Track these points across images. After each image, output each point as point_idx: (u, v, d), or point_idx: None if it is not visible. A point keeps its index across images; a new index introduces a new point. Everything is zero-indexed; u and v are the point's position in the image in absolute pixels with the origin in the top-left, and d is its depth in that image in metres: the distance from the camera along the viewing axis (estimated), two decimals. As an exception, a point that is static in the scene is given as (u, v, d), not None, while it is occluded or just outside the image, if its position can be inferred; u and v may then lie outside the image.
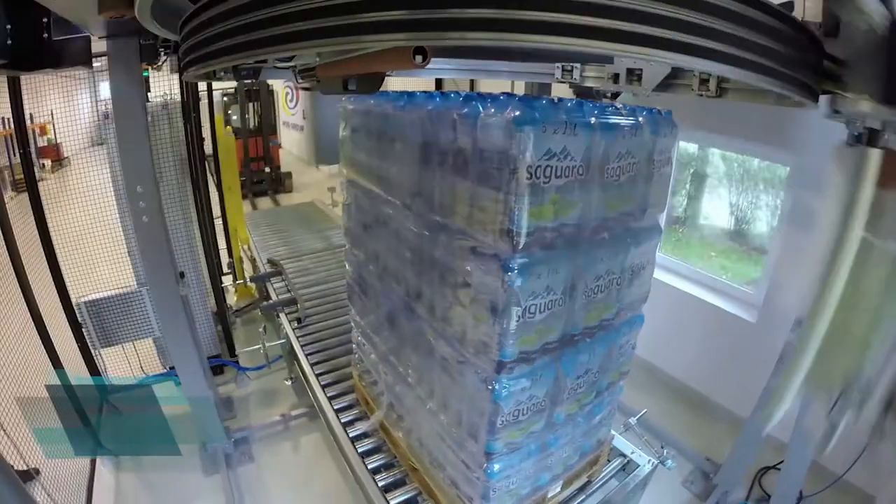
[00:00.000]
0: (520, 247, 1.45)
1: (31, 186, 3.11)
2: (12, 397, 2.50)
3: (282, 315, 3.84)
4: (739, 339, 3.54)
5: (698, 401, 3.80)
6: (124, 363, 3.65)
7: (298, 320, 3.80)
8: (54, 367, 3.05)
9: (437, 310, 1.85)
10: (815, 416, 2.24)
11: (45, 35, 2.20)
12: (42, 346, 2.98)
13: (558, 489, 2.07)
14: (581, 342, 1.79)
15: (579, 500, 2.24)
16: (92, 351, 3.46)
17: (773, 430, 2.63)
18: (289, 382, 3.87)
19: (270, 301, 4.10)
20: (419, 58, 0.86)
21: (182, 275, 2.90)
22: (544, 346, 1.65)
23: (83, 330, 3.34)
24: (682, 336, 3.91)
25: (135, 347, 3.65)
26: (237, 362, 4.08)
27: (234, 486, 2.95)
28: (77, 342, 3.39)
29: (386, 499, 2.22)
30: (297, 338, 3.58)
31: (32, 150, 3.58)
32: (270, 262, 4.75)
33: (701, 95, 1.89)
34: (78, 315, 3.30)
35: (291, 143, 12.33)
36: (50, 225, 3.18)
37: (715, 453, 3.11)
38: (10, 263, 2.83)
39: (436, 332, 1.88)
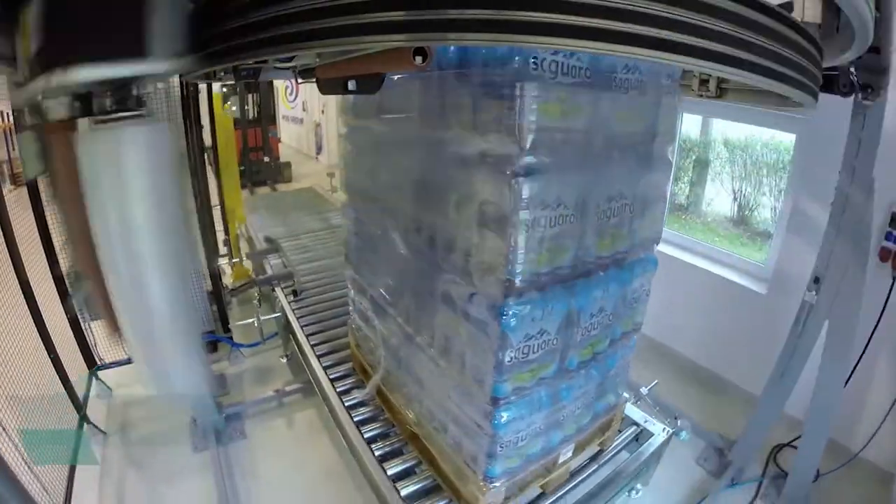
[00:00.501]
0: (527, 146, 1.31)
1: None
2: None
3: (278, 289, 3.69)
4: (749, 312, 3.43)
5: (708, 378, 3.67)
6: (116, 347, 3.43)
7: (295, 293, 3.66)
8: (42, 341, 2.90)
9: (439, 238, 1.71)
10: (829, 400, 2.31)
11: None
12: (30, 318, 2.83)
13: (570, 454, 1.92)
14: (594, 276, 1.66)
15: (592, 470, 2.10)
16: (82, 323, 3.32)
17: (787, 407, 2.65)
18: (284, 360, 3.74)
19: (266, 275, 3.96)
20: (419, 59, 0.86)
21: None
22: (555, 270, 1.52)
23: (74, 301, 3.11)
24: (690, 312, 3.80)
25: None
26: (231, 338, 3.92)
27: (224, 463, 2.80)
28: (66, 314, 3.21)
29: (383, 468, 2.06)
30: (293, 310, 3.43)
31: None
32: (268, 239, 4.63)
33: (701, 96, 1.93)
34: (67, 283, 3.09)
35: (291, 136, 12.29)
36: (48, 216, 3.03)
37: (728, 431, 2.98)
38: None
39: (438, 264, 1.73)
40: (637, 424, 2.37)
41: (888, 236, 2.66)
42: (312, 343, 3.07)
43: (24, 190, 3.03)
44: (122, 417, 3.29)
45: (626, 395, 2.18)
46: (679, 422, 2.40)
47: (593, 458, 2.16)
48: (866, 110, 1.95)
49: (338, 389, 2.61)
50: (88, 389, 3.36)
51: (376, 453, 2.15)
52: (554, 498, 1.96)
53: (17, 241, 2.82)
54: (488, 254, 1.46)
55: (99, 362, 3.51)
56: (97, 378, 3.47)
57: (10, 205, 2.80)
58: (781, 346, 2.56)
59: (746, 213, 4.11)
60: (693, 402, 3.36)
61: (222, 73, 1.85)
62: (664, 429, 2.33)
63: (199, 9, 1.02)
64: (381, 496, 2.01)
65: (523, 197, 1.34)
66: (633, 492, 2.53)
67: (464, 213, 1.55)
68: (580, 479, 2.06)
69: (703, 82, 1.84)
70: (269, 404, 3.39)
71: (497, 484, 1.67)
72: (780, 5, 0.97)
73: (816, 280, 2.36)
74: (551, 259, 1.49)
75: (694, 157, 4.44)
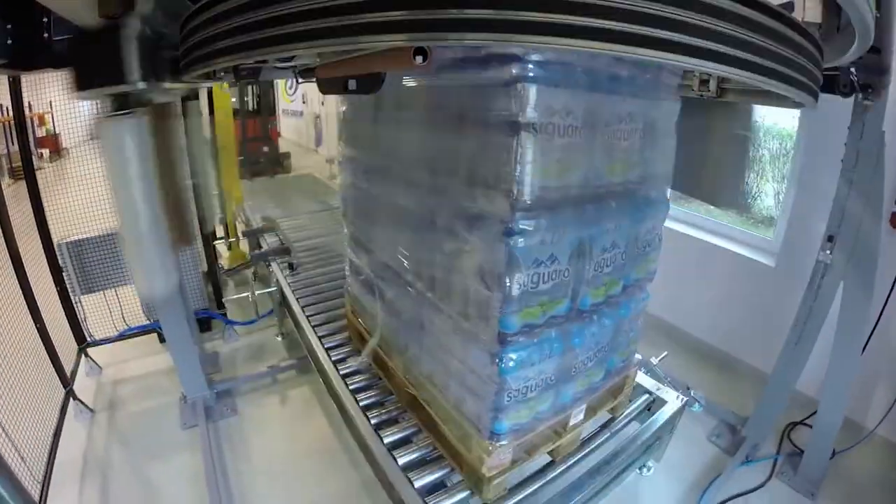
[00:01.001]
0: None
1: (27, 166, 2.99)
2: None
3: (273, 264, 3.55)
4: (759, 286, 3.31)
5: (718, 357, 3.54)
6: (105, 313, 3.37)
7: (290, 266, 3.53)
8: (32, 318, 2.79)
9: (440, 165, 1.58)
10: (846, 370, 2.22)
11: (45, 35, 2.14)
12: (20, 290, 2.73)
13: (581, 416, 1.77)
14: (606, 206, 1.53)
15: (604, 438, 1.96)
16: (72, 297, 3.19)
17: (799, 386, 2.57)
18: (279, 338, 3.62)
19: (262, 249, 3.83)
20: (419, 58, 0.86)
21: None
22: (565, 187, 1.40)
23: (63, 274, 3.09)
24: (698, 290, 3.67)
25: (118, 296, 3.38)
26: (224, 315, 3.78)
27: (213, 438, 2.66)
28: (56, 286, 3.12)
29: (379, 436, 1.92)
30: (289, 283, 3.30)
31: (31, 139, 3.46)
32: (265, 219, 4.53)
33: (701, 96, 1.92)
34: (59, 257, 3.04)
35: (290, 129, 12.27)
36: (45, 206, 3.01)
37: (739, 409, 2.85)
38: None
39: (441, 191, 1.59)
40: (649, 393, 2.23)
41: None
42: (308, 314, 2.93)
43: (23, 184, 2.97)
44: (111, 395, 3.18)
45: (638, 356, 2.04)
46: (692, 392, 2.26)
47: (605, 426, 2.02)
48: (866, 111, 1.94)
49: (333, 358, 2.47)
50: (77, 365, 3.26)
51: (372, 421, 2.01)
52: (564, 466, 1.81)
53: (10, 218, 2.72)
54: (493, 167, 1.34)
55: (89, 338, 3.41)
56: (86, 356, 3.37)
57: (8, 199, 2.72)
58: (792, 319, 2.46)
59: (750, 200, 3.93)
60: (702, 380, 3.19)
61: (222, 73, 1.81)
62: (678, 396, 2.20)
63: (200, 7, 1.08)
64: (378, 467, 1.86)
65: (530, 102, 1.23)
66: (645, 469, 2.43)
67: (469, 130, 1.43)
68: (592, 446, 1.91)
69: (704, 82, 1.82)
70: (262, 381, 3.25)
71: (504, 442, 1.52)
72: (780, 5, 0.96)
73: (830, 238, 2.26)
74: (561, 173, 1.37)
75: None
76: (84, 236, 3.09)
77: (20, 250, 2.77)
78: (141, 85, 1.54)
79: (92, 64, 1.64)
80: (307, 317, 2.87)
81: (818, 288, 2.34)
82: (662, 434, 2.19)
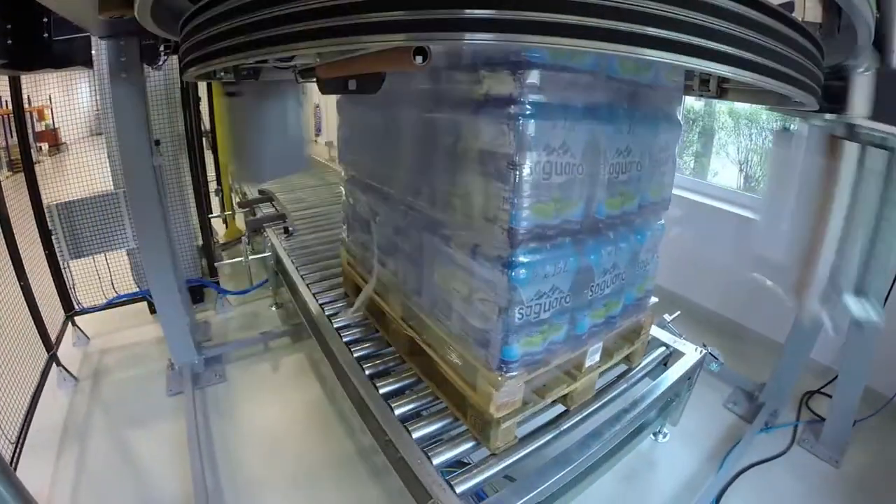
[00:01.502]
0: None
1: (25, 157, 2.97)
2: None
3: (268, 230, 3.41)
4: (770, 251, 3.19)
5: (729, 327, 3.41)
6: (95, 281, 3.24)
7: (286, 230, 3.40)
8: (18, 279, 2.68)
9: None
10: (864, 338, 2.07)
11: (45, 35, 2.14)
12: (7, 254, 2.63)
13: (597, 357, 1.61)
14: (618, 107, 1.41)
15: (620, 389, 1.81)
16: (60, 262, 3.05)
17: (815, 354, 2.46)
18: (274, 308, 3.48)
19: (257, 216, 3.68)
20: (419, 58, 0.87)
21: (157, 142, 2.63)
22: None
23: (52, 238, 2.95)
24: (708, 261, 3.54)
25: (107, 263, 3.24)
26: (217, 283, 3.62)
27: (200, 405, 2.52)
28: (45, 250, 2.99)
29: (375, 385, 1.77)
30: (284, 248, 3.16)
31: (30, 132, 3.50)
32: (261, 192, 4.41)
33: (701, 96, 1.86)
34: (48, 220, 2.91)
35: None
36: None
37: (754, 377, 2.73)
38: None
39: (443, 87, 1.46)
40: (666, 346, 2.08)
41: None
42: (302, 273, 2.79)
43: (21, 176, 2.90)
44: (97, 364, 3.04)
45: (654, 298, 1.90)
46: (709, 349, 2.12)
47: (621, 377, 1.87)
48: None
49: (327, 312, 2.32)
50: (62, 332, 3.11)
51: (367, 372, 1.85)
52: (579, 417, 1.64)
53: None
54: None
55: (77, 306, 3.25)
56: (74, 324, 3.23)
57: (7, 191, 2.65)
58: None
59: (753, 184, 3.93)
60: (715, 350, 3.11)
61: (222, 73, 1.81)
62: (696, 349, 2.06)
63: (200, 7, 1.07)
64: (373, 421, 1.69)
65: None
66: (661, 436, 2.30)
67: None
68: (608, 396, 1.75)
69: (704, 82, 1.79)
70: (253, 347, 3.09)
71: (514, 373, 1.35)
72: (780, 5, 0.94)
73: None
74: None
75: (699, 129, 4.30)
76: (75, 198, 2.96)
77: (9, 215, 2.65)
78: None
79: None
80: (301, 276, 2.72)
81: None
82: (680, 389, 2.04)
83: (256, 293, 3.71)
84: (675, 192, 3.29)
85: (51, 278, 3.07)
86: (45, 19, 2.12)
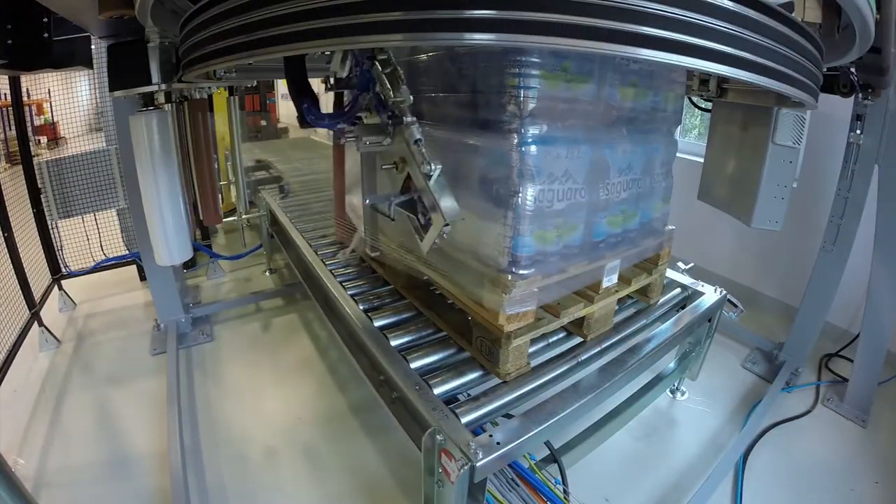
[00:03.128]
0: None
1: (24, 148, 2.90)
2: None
3: (263, 192, 3.27)
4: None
5: (742, 293, 3.21)
6: (84, 244, 3.12)
7: (281, 189, 3.30)
8: (3, 237, 2.56)
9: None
10: (891, 269, 2.02)
11: (45, 35, 2.11)
12: None
13: (614, 278, 1.44)
14: None
15: (639, 324, 1.65)
16: (48, 222, 2.92)
17: (831, 318, 2.40)
18: (267, 274, 3.34)
19: (252, 178, 3.58)
20: None
21: None
22: None
23: (41, 196, 2.83)
24: (715, 224, 3.38)
25: (96, 222, 3.10)
26: (209, 247, 3.48)
27: (184, 364, 2.37)
28: (33, 208, 2.86)
29: (369, 317, 1.61)
30: (280, 205, 3.03)
31: (28, 126, 3.44)
32: (258, 161, 4.32)
33: (701, 96, 1.85)
34: (38, 178, 2.81)
35: (290, 113, 12.36)
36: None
37: (771, 338, 2.61)
38: None
39: None
40: (684, 287, 1.94)
41: None
42: (296, 224, 2.65)
43: (20, 168, 2.83)
44: (82, 327, 2.87)
45: (671, 226, 1.75)
46: (728, 295, 1.99)
47: (639, 312, 1.71)
48: (866, 111, 1.89)
49: (320, 254, 2.16)
50: (48, 292, 2.94)
51: (361, 307, 1.69)
52: (596, 349, 1.47)
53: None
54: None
55: (64, 270, 3.09)
56: (61, 288, 3.06)
57: (4, 184, 2.59)
58: (819, 241, 2.26)
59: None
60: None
61: (222, 73, 1.70)
62: (716, 289, 1.91)
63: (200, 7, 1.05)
64: (368, 354, 1.51)
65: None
66: (679, 393, 2.16)
67: None
68: (627, 331, 1.58)
69: (704, 82, 1.77)
70: (244, 308, 2.92)
71: (527, 271, 1.18)
72: (780, 5, 0.92)
73: (859, 118, 2.04)
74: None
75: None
76: (65, 154, 2.88)
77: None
78: (162, 86, 1.71)
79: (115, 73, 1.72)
80: (296, 228, 2.57)
81: (851, 174, 2.09)
82: (700, 335, 1.88)
83: (250, 259, 3.56)
84: (682, 155, 3.25)
85: (38, 240, 2.93)
86: (45, 19, 2.09)
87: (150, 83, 1.69)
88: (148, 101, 1.84)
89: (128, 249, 3.22)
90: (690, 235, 3.42)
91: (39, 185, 2.80)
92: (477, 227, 1.30)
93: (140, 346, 2.56)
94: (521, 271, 1.18)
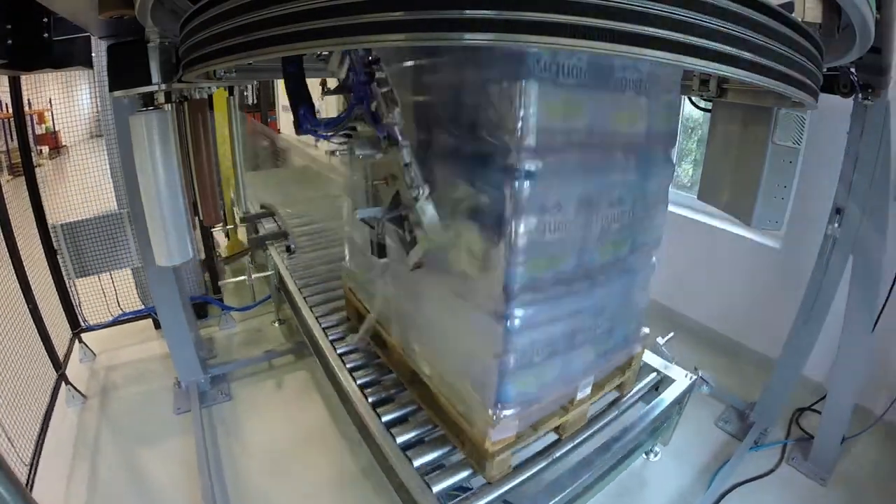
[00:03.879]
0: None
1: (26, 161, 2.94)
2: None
3: (270, 248, 3.46)
4: (764, 269, 3.29)
5: (723, 343, 3.45)
6: (100, 299, 3.32)
7: (288, 249, 3.45)
8: (24, 298, 2.74)
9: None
10: (857, 348, 2.16)
11: (45, 35, 2.12)
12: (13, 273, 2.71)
13: (588, 390, 1.65)
14: (613, 162, 1.49)
15: (611, 416, 1.84)
16: (66, 281, 3.13)
17: (806, 371, 2.52)
18: (277, 325, 3.50)
19: (260, 234, 3.77)
20: None
21: None
22: (572, 132, 1.34)
23: (58, 257, 3.02)
24: (702, 275, 3.59)
25: (112, 280, 3.28)
26: (221, 300, 3.70)
27: (207, 423, 2.55)
28: (51, 270, 3.06)
29: (377, 413, 1.80)
30: (286, 266, 3.25)
31: (30, 136, 3.40)
32: (263, 206, 4.45)
33: (701, 96, 1.88)
34: (53, 239, 2.96)
35: (291, 125, 12.38)
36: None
37: (746, 394, 2.80)
38: None
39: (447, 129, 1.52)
40: (657, 371, 2.12)
41: None
42: (305, 295, 2.81)
43: (22, 180, 2.94)
44: (104, 381, 3.04)
45: (645, 329, 1.90)
46: (700, 373, 2.17)
47: (612, 404, 1.90)
48: (866, 110, 1.91)
49: (330, 337, 2.36)
50: (70, 350, 3.14)
51: (370, 399, 1.87)
52: (571, 445, 1.67)
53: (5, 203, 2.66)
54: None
55: (83, 324, 3.28)
56: (80, 341, 3.25)
57: (7, 195, 2.68)
58: (798, 301, 2.40)
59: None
60: (708, 366, 3.03)
61: (222, 73, 1.76)
62: (686, 374, 2.09)
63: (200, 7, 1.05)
64: (375, 446, 1.73)
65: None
66: (652, 455, 2.28)
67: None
68: (599, 424, 1.78)
69: (704, 82, 1.79)
70: (258, 365, 3.11)
71: (509, 412, 1.36)
72: (780, 5, 0.93)
73: (838, 211, 2.17)
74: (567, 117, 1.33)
75: (697, 137, 4.33)
76: (80, 218, 3.06)
77: (15, 235, 2.73)
78: (163, 86, 1.73)
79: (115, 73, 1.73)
80: (304, 298, 2.76)
81: (827, 263, 2.26)
82: (671, 413, 2.03)
83: (259, 308, 3.74)
84: (674, 209, 3.36)
85: (56, 295, 3.15)
86: (45, 19, 2.10)
87: (150, 83, 1.69)
88: (148, 101, 1.83)
89: (143, 304, 3.41)
90: (676, 282, 3.56)
91: (56, 247, 3.04)
92: (468, 368, 1.49)
93: (163, 403, 2.72)
94: (504, 411, 1.37)
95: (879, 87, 1.81)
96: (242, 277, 3.51)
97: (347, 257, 2.48)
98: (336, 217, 2.89)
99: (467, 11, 0.72)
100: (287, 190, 5.23)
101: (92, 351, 3.30)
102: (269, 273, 3.43)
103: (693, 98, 2.17)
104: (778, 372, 2.52)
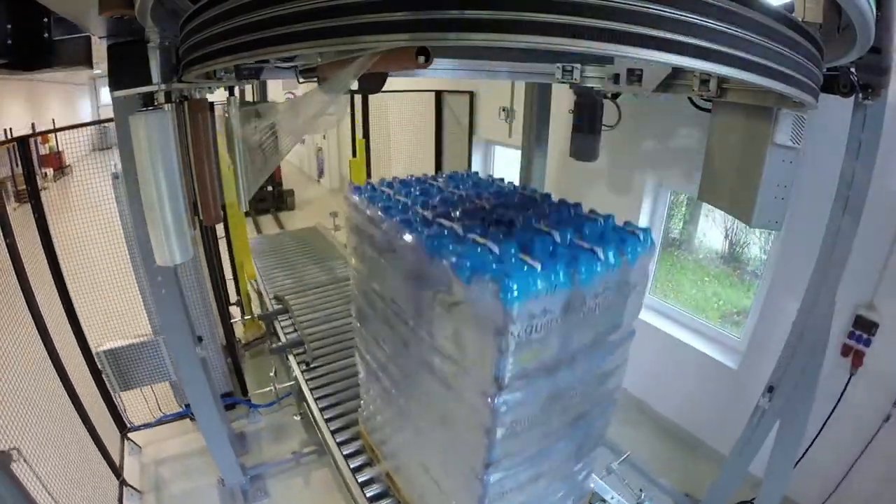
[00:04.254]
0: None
1: (42, 231, 3.10)
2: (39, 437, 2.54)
3: (290, 357, 3.83)
4: (722, 384, 3.76)
5: (684, 438, 4.01)
6: (142, 402, 3.77)
7: (307, 363, 3.79)
8: (75, 408, 3.09)
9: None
10: (787, 452, 2.50)
11: (45, 35, 2.12)
12: (63, 389, 3.04)
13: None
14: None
15: None
16: (111, 393, 3.46)
17: (752, 467, 2.80)
18: (297, 418, 3.82)
19: (279, 343, 4.25)
20: (422, 58, 0.88)
21: (200, 339, 3.01)
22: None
23: (102, 375, 3.47)
24: (670, 377, 4.14)
25: (152, 389, 3.64)
26: (249, 400, 4.05)
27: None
28: (97, 386, 3.49)
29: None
30: (306, 381, 3.62)
31: (34, 159, 3.59)
32: (277, 298, 4.77)
33: (701, 95, 1.86)
34: (97, 362, 3.41)
35: (292, 154, 12.62)
36: (56, 245, 3.18)
37: (697, 489, 3.07)
38: (26, 306, 2.88)
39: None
40: (604, 501, 2.41)
41: (851, 335, 2.89)
42: (326, 417, 3.28)
43: (28, 207, 3.10)
44: (155, 476, 3.38)
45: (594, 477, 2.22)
46: (643, 494, 2.45)
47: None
48: (866, 110, 1.93)
49: (351, 466, 2.89)
50: (122, 453, 3.44)
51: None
52: None
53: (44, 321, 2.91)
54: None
55: (129, 425, 3.75)
56: (128, 439, 3.54)
57: (14, 222, 2.78)
58: (748, 414, 2.68)
59: (737, 249, 4.17)
60: (667, 460, 3.71)
61: (223, 74, 1.78)
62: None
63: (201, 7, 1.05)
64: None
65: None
66: None
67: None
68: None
69: (704, 82, 1.77)
70: (287, 465, 3.63)
71: None
72: (780, 5, 0.95)
73: (770, 389, 2.49)
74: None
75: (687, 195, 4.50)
76: (118, 345, 3.44)
77: (55, 346, 3.03)
78: (162, 86, 1.77)
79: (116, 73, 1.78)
80: (326, 420, 3.27)
81: (755, 426, 2.59)
82: None
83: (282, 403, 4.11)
84: (649, 319, 4.01)
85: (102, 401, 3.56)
86: (46, 19, 2.10)
87: (150, 83, 1.73)
88: (148, 101, 1.85)
89: (180, 406, 3.77)
90: (646, 377, 4.09)
91: (100, 368, 3.45)
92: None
93: (211, 499, 3.27)
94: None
95: (879, 87, 1.82)
96: (269, 388, 3.79)
97: (361, 406, 2.89)
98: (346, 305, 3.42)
99: (469, 12, 0.74)
100: (297, 272, 5.47)
101: (137, 444, 3.68)
102: (290, 383, 3.80)
103: (693, 98, 2.19)
104: (724, 475, 2.77)
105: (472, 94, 5.97)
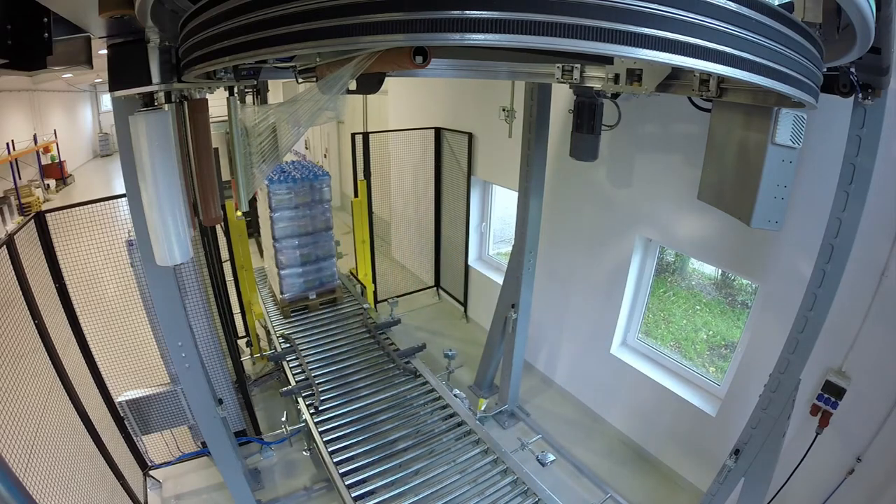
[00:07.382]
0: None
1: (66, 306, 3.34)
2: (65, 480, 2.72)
3: (300, 399, 3.96)
4: (701, 427, 4.00)
5: (666, 472, 4.31)
6: (162, 443, 4.00)
7: (315, 407, 3.91)
8: (99, 452, 3.32)
9: None
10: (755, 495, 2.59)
11: (45, 35, 2.10)
12: (88, 435, 3.26)
13: None
14: None
15: None
16: (133, 437, 3.78)
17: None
18: (307, 453, 4.13)
19: (289, 387, 4.35)
20: (419, 58, 0.88)
21: (220, 401, 3.19)
22: None
23: (125, 421, 3.66)
24: (654, 417, 4.40)
25: (171, 431, 3.95)
26: (262, 438, 4.24)
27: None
28: (120, 431, 3.69)
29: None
30: (315, 423, 3.87)
31: (38, 170, 3.70)
32: (283, 337, 4.87)
33: (701, 95, 1.87)
34: (120, 410, 3.61)
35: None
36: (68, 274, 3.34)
37: None
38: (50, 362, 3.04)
39: None
40: None
41: (819, 397, 2.97)
42: (336, 460, 3.49)
43: (32, 221, 3.13)
44: None
45: None
46: None
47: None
48: (866, 110, 1.93)
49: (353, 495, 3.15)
50: (145, 489, 3.81)
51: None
52: None
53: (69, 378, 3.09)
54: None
55: (150, 463, 3.98)
56: (150, 476, 3.95)
57: (20, 243, 2.81)
58: (725, 454, 2.85)
59: (730, 276, 4.22)
60: (649, 494, 4.07)
61: (223, 74, 1.76)
62: None
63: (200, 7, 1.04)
64: None
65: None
66: None
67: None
68: None
69: (704, 82, 1.78)
70: (299, 499, 3.92)
71: None
72: (781, 5, 0.93)
73: (737, 452, 2.67)
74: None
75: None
76: (139, 395, 3.64)
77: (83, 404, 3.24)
78: (161, 86, 1.75)
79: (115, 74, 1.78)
80: (336, 463, 3.45)
81: (721, 483, 2.77)
82: None
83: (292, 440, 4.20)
84: (643, 367, 4.43)
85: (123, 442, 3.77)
86: (46, 19, 2.08)
87: (150, 83, 1.71)
88: (148, 101, 1.84)
89: (197, 447, 3.92)
90: (631, 413, 4.52)
91: (122, 415, 3.63)
92: None
93: None
94: None
95: (879, 87, 1.82)
96: (280, 430, 3.88)
97: None
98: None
99: (468, 12, 0.73)
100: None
101: (157, 480, 3.89)
102: (300, 425, 3.93)
103: (693, 98, 2.18)
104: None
105: (470, 136, 6.03)
